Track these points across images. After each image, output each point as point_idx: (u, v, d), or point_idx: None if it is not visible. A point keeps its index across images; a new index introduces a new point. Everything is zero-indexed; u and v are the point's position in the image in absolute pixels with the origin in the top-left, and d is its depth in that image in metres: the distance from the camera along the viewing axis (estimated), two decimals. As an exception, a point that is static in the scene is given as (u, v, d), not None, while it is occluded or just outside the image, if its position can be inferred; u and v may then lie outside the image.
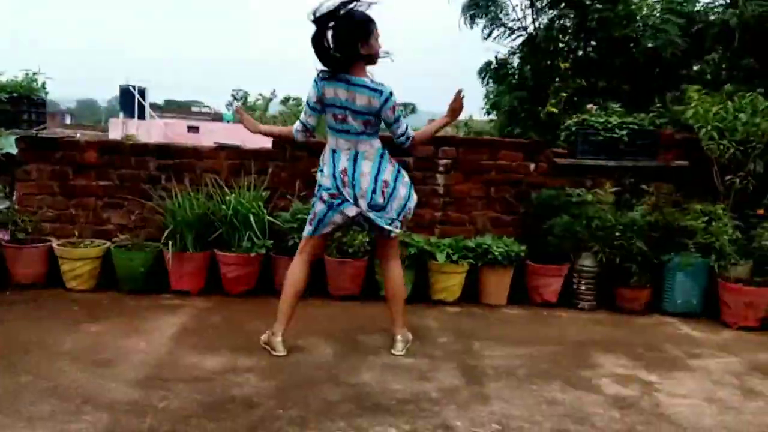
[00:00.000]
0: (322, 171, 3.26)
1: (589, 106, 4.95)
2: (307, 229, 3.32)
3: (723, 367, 3.44)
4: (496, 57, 7.97)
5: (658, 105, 5.41)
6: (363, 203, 3.17)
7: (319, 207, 3.23)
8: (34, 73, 4.88)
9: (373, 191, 3.17)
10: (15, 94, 4.65)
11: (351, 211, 3.18)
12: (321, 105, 3.20)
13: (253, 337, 3.45)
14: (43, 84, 4.91)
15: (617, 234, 4.42)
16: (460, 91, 3.25)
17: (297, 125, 3.34)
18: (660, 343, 3.86)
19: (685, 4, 7.17)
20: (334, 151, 3.22)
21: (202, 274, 4.45)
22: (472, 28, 7.72)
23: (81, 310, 3.94)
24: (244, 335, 3.55)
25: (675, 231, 4.56)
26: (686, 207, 4.58)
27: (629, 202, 4.73)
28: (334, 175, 3.18)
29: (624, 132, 4.71)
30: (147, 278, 4.38)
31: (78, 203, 4.75)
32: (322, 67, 3.10)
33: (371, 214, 3.18)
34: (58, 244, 4.41)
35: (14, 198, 4.68)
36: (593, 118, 4.80)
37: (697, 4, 7.39)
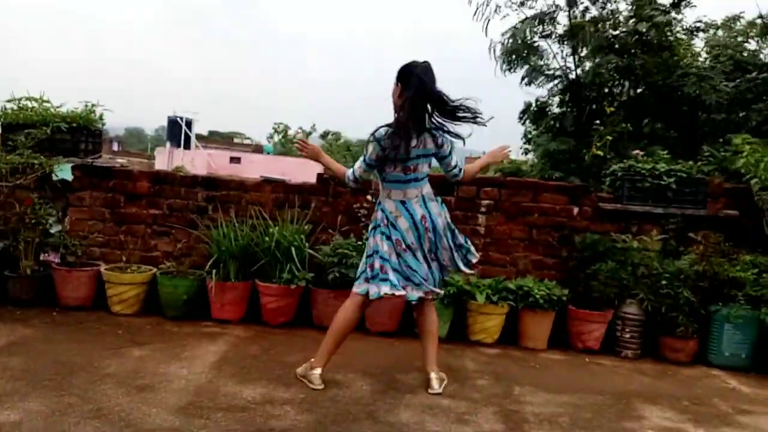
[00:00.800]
0: (391, 227, 3.28)
1: (635, 151, 4.90)
2: (368, 273, 3.32)
3: (776, 426, 3.29)
4: (537, 99, 8.00)
5: (706, 153, 5.33)
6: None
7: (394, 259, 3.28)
8: (93, 105, 5.11)
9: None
10: (74, 125, 4.86)
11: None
12: (378, 161, 3.24)
13: (291, 369, 3.46)
14: (101, 115, 5.14)
15: (664, 282, 4.33)
16: (507, 147, 3.47)
17: (351, 175, 3.40)
18: (707, 396, 3.72)
19: (734, 48, 7.13)
20: (403, 203, 3.28)
21: (243, 304, 4.51)
22: (509, 74, 7.75)
23: (125, 335, 4.02)
24: (282, 366, 3.57)
25: (723, 282, 4.44)
26: (735, 257, 4.46)
27: (676, 251, 4.63)
28: (415, 226, 3.26)
29: (672, 179, 4.64)
30: (190, 305, 4.47)
31: (127, 230, 4.89)
32: (381, 126, 3.23)
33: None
34: (105, 269, 4.54)
35: (66, 223, 4.86)
36: (640, 164, 4.75)
37: (745, 51, 7.34)
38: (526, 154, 9.43)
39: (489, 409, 3.22)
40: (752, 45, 8.05)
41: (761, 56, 7.46)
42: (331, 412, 2.98)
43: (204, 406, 2.92)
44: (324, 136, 37.05)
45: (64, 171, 4.84)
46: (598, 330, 4.47)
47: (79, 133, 4.92)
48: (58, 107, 4.96)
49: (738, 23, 8.40)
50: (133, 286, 4.45)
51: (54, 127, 4.70)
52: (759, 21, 7.78)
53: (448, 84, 3.20)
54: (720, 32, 8.46)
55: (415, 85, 3.10)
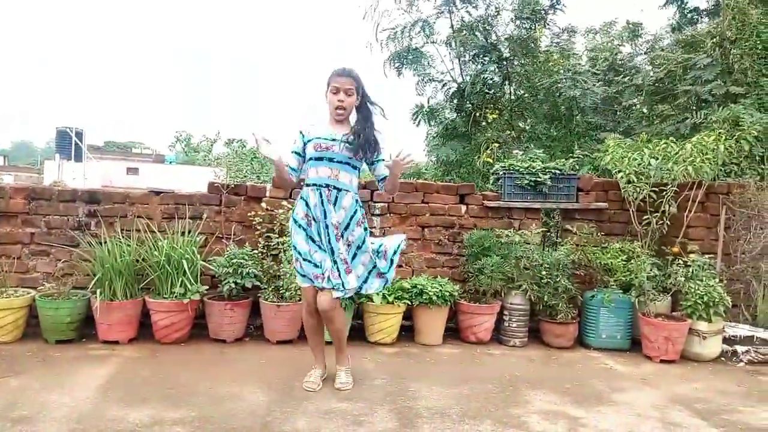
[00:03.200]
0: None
1: (515, 151, 5.20)
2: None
3: (646, 401, 3.60)
4: (428, 99, 8.24)
5: (579, 150, 5.74)
6: None
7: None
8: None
9: None
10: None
11: None
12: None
13: (183, 388, 3.38)
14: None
15: (544, 273, 4.62)
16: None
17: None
18: (586, 378, 4.01)
19: (608, 53, 7.70)
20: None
21: (133, 323, 4.34)
22: (398, 76, 7.90)
23: (2, 364, 3.75)
24: (173, 386, 3.48)
25: (597, 269, 4.80)
26: (606, 246, 4.83)
27: (554, 242, 4.95)
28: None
29: (547, 176, 4.97)
30: (75, 328, 4.25)
31: (2, 251, 4.58)
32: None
33: None
34: (-23, 295, 4.22)
35: (-69, 247, 4.48)
36: (518, 163, 5.05)
37: (618, 54, 7.95)
38: (430, 155, 9.68)
39: (384, 407, 3.30)
40: (627, 48, 8.74)
41: (633, 59, 8.11)
42: (223, 427, 2.95)
43: (87, 433, 2.80)
44: (228, 143, 36.10)
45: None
46: (488, 322, 4.69)
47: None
48: None
49: (613, 28, 9.08)
50: (10, 312, 4.16)
51: None
52: (629, 25, 8.45)
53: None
54: (598, 36, 9.11)
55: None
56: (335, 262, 3.32)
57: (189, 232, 4.63)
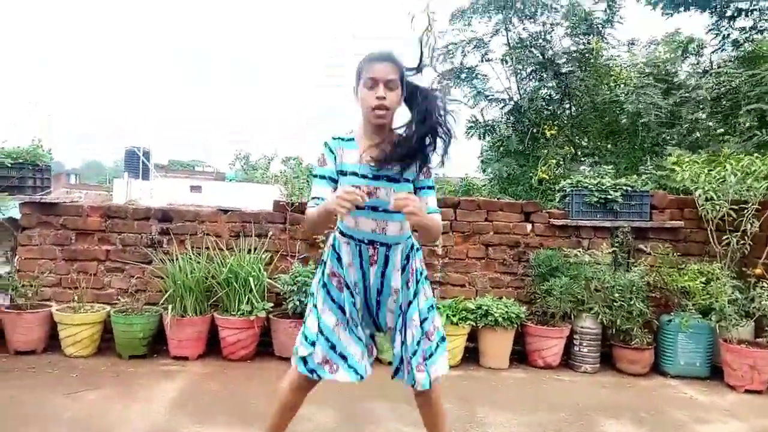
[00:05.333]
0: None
1: (582, 168, 5.05)
2: None
3: (731, 434, 3.38)
4: (482, 114, 8.13)
5: (648, 166, 5.53)
6: None
7: None
8: (39, 140, 4.99)
9: None
10: (20, 161, 4.73)
11: None
12: None
13: (251, 405, 3.40)
14: (49, 150, 5.02)
15: (617, 295, 4.43)
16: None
17: None
18: (665, 407, 3.81)
19: (666, 66, 7.43)
20: None
21: (202, 339, 4.42)
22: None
23: (80, 378, 3.89)
24: (241, 403, 3.51)
25: (674, 291, 4.58)
26: (684, 267, 4.60)
27: (627, 263, 4.75)
28: None
29: (617, 194, 4.79)
30: (147, 344, 4.36)
31: (79, 267, 4.77)
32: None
33: None
34: (57, 310, 4.40)
35: (15, 263, 4.71)
36: (587, 180, 4.90)
37: (679, 71, 7.67)
38: (484, 171, 9.58)
39: (452, 433, 3.22)
40: (690, 60, 8.43)
41: (682, 73, 7.81)
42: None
43: (161, 449, 2.85)
44: (285, 161, 36.87)
45: (11, 209, 4.70)
46: (557, 346, 4.53)
47: (26, 169, 4.79)
48: (3, 143, 4.82)
49: (675, 39, 8.78)
50: (87, 327, 4.32)
51: (-2, 164, 4.57)
52: (683, 39, 8.13)
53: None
54: (660, 47, 8.82)
55: None
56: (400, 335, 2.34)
57: (255, 249, 4.70)
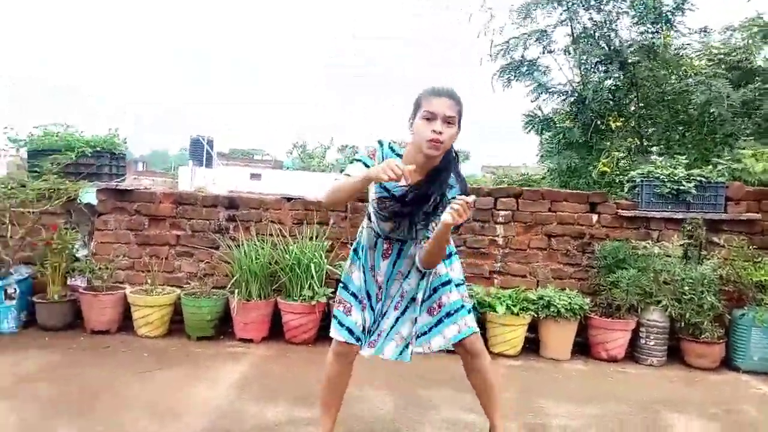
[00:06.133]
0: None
1: (653, 157, 4.86)
2: None
3: (810, 435, 3.22)
4: (540, 109, 7.92)
5: (723, 157, 5.27)
6: None
7: None
8: (116, 129, 5.24)
9: None
10: (98, 149, 4.98)
11: None
12: None
13: (313, 387, 3.48)
14: (124, 139, 5.26)
15: (687, 288, 4.28)
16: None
17: None
18: (737, 403, 3.66)
19: (738, 54, 7.02)
20: None
21: (266, 323, 4.55)
22: (506, 88, 7.62)
23: (150, 357, 4.08)
24: (303, 385, 3.59)
25: (748, 285, 4.37)
26: (759, 261, 4.39)
27: (699, 255, 4.57)
28: None
29: (691, 184, 4.59)
30: (214, 326, 4.53)
31: (151, 252, 4.98)
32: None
33: None
34: (131, 292, 4.62)
35: (92, 246, 4.97)
36: (659, 170, 4.71)
37: (756, 57, 7.22)
38: (543, 161, 9.36)
39: (514, 423, 3.19)
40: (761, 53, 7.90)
41: (761, 60, 7.32)
42: (354, 429, 3.00)
43: (227, 429, 2.96)
44: (342, 149, 37.24)
45: (89, 195, 4.96)
46: (622, 338, 4.42)
47: (103, 157, 5.03)
48: (81, 132, 5.08)
49: (754, 26, 8.26)
50: (158, 308, 4.52)
51: (79, 152, 4.82)
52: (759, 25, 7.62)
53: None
54: (737, 34, 8.33)
55: None
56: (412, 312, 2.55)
57: (317, 236, 4.78)
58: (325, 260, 4.65)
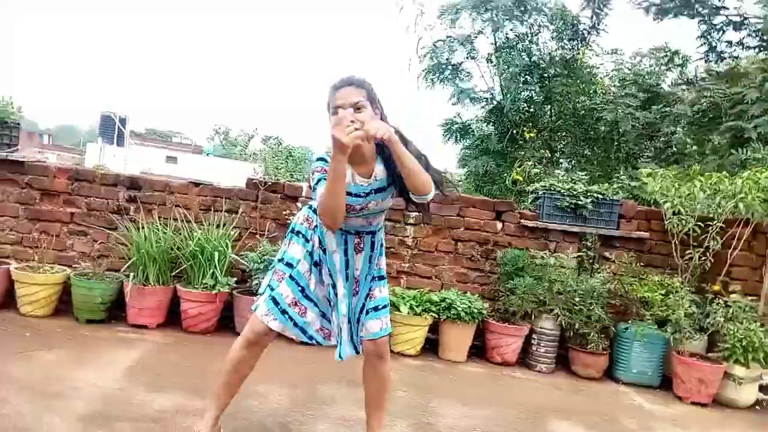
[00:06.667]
0: None
1: (557, 171, 5.11)
2: None
3: (674, 442, 3.48)
4: (459, 115, 8.15)
5: (621, 176, 5.62)
6: None
7: None
8: (10, 98, 4.86)
9: None
10: (-11, 116, 4.60)
11: None
12: None
13: (209, 378, 3.38)
14: (19, 108, 4.88)
15: (578, 299, 4.51)
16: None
17: None
18: (615, 413, 3.89)
19: (648, 77, 7.54)
20: None
21: (163, 309, 4.38)
22: (431, 88, 7.80)
23: (34, 337, 3.83)
24: (199, 375, 3.49)
25: (633, 301, 4.68)
26: (645, 278, 4.70)
27: (591, 269, 4.84)
28: None
29: (588, 200, 4.86)
30: (106, 309, 4.30)
31: (42, 228, 4.67)
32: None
33: None
34: (16, 268, 4.31)
35: (-24, 217, 4.60)
36: (560, 184, 4.96)
37: (662, 81, 7.78)
38: (462, 168, 9.64)
39: (405, 421, 3.25)
40: (672, 74, 8.55)
41: (665, 85, 7.92)
42: (244, 424, 2.94)
43: (111, 415, 2.82)
44: (265, 140, 36.53)
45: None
46: (515, 343, 4.60)
47: (-7, 125, 4.65)
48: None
49: (661, 53, 8.89)
50: (45, 287, 4.24)
51: (-36, 118, 4.44)
52: (673, 53, 8.21)
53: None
54: (645, 60, 8.94)
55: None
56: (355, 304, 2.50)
57: (224, 225, 4.65)
58: (231, 250, 4.53)
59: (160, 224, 4.52)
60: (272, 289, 2.51)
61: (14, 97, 4.81)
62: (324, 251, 2.47)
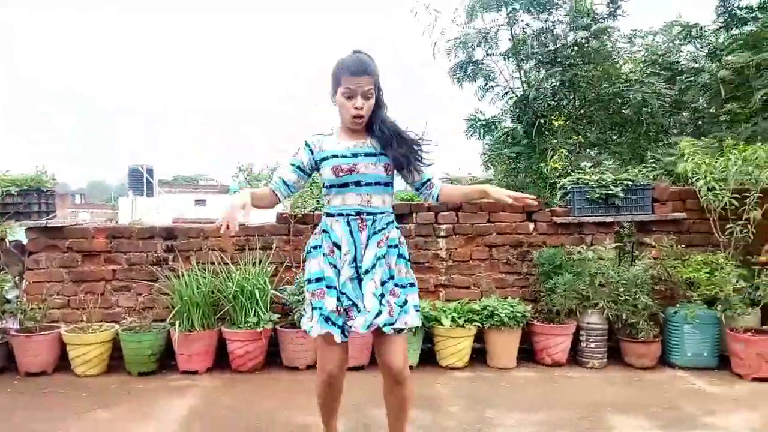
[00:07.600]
0: None
1: (583, 164, 5.06)
2: None
3: (742, 424, 3.37)
4: (481, 113, 8.15)
5: (650, 158, 5.52)
6: None
7: None
8: (43, 166, 5.06)
9: None
10: (25, 188, 4.79)
11: None
12: None
13: (264, 416, 3.42)
14: (52, 175, 5.07)
15: (621, 289, 4.43)
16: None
17: None
18: (675, 400, 3.80)
19: (667, 55, 7.42)
20: None
21: (211, 353, 4.46)
22: (460, 87, 7.90)
23: (90, 397, 3.93)
24: (253, 414, 3.53)
25: (679, 283, 4.57)
26: (688, 258, 4.59)
27: (631, 256, 4.75)
28: None
29: (618, 188, 4.78)
30: (156, 360, 4.40)
31: (86, 288, 4.81)
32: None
33: None
34: (66, 331, 4.45)
35: (23, 287, 4.76)
36: (587, 176, 4.90)
37: (680, 56, 7.66)
38: (487, 169, 9.58)
39: (463, 435, 3.23)
40: (689, 48, 8.41)
41: (683, 59, 7.78)
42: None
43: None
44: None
45: (17, 235, 4.77)
46: (564, 343, 4.54)
47: (30, 195, 4.84)
48: (6, 172, 4.89)
49: (674, 28, 8.77)
50: (96, 346, 4.36)
51: (4, 191, 4.64)
52: (687, 25, 8.08)
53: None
54: (658, 37, 8.83)
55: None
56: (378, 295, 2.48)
57: (260, 262, 4.73)
58: (270, 285, 4.59)
59: (199, 270, 4.62)
60: (320, 308, 2.50)
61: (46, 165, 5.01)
62: (337, 247, 2.51)
